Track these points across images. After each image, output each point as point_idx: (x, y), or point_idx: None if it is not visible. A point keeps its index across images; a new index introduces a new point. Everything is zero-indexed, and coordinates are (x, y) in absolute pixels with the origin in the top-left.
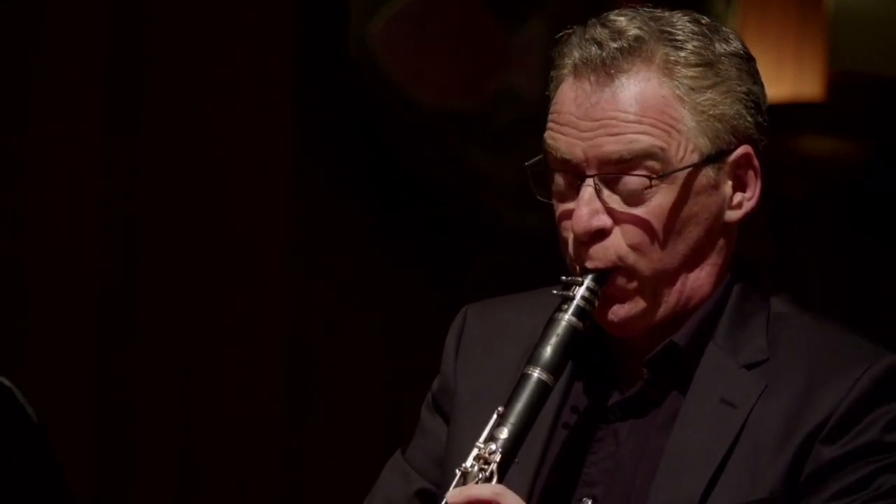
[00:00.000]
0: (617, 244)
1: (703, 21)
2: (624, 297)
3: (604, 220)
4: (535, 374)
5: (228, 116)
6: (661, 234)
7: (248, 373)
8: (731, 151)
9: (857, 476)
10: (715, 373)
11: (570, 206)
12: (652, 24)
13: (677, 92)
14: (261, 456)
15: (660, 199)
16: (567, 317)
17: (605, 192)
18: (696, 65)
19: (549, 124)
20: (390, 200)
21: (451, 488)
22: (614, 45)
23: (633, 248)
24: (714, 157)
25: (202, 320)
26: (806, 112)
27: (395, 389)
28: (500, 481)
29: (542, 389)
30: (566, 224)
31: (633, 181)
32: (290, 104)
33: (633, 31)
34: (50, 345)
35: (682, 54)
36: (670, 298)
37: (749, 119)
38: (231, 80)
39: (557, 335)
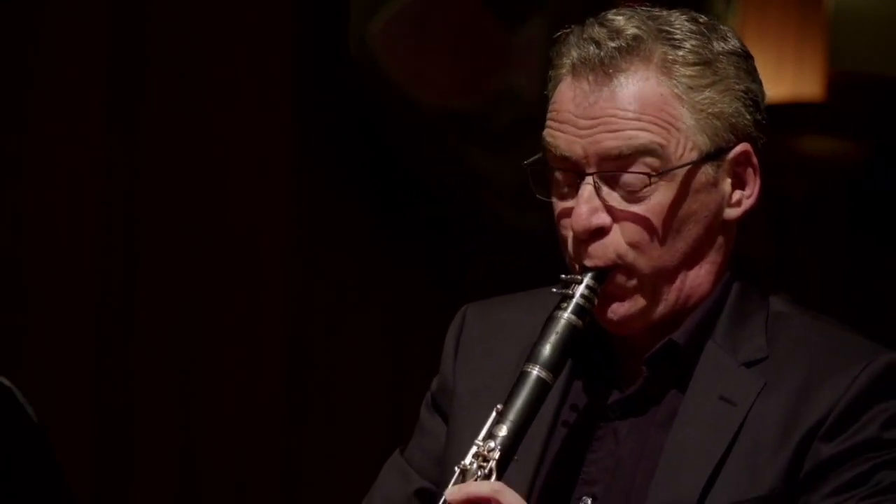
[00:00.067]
0: (616, 242)
1: (701, 20)
2: (623, 296)
3: (603, 219)
4: (535, 371)
5: (228, 116)
6: (660, 231)
7: (248, 373)
8: (730, 149)
9: (855, 472)
10: (714, 371)
11: (569, 204)
12: (650, 23)
13: (676, 91)
14: (261, 456)
15: (659, 197)
16: (566, 315)
17: (605, 190)
18: (695, 63)
19: (548, 122)
20: (390, 200)
21: (450, 486)
22: (612, 44)
23: (633, 245)
24: (713, 155)
25: (202, 320)
26: (806, 112)
27: (395, 389)
28: (498, 479)
29: (542, 387)
30: (565, 222)
31: (632, 179)
32: (290, 104)
33: (631, 31)
34: (50, 345)
35: (681, 53)
36: (670, 296)
37: (748, 117)
38: (231, 80)
39: (557, 333)
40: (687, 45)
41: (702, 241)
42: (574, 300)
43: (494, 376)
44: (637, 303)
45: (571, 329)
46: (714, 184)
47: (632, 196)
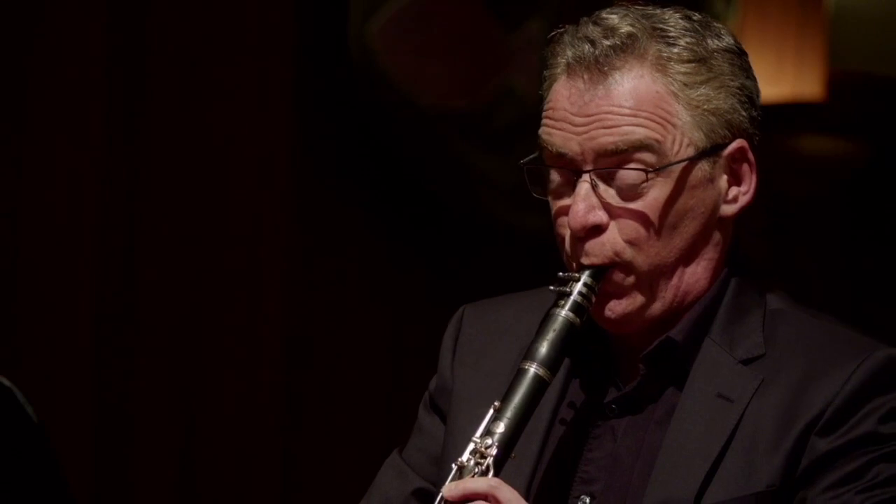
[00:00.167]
0: (613, 240)
1: (695, 17)
2: (621, 293)
3: (600, 216)
4: (532, 369)
5: (228, 116)
6: (657, 228)
7: (248, 373)
8: (725, 145)
9: (853, 466)
10: (711, 368)
11: (566, 202)
12: (644, 21)
13: (671, 88)
14: (260, 456)
15: (656, 194)
16: (564, 312)
17: (602, 188)
18: (689, 60)
19: (544, 121)
20: (390, 200)
21: (447, 482)
22: (607, 42)
23: (630, 242)
24: (709, 151)
25: (202, 320)
26: (806, 112)
27: (395, 389)
28: (496, 475)
29: (539, 384)
30: (562, 220)
31: (629, 175)
32: (291, 104)
33: (625, 29)
34: (50, 345)
35: (675, 50)
36: (667, 294)
37: (743, 113)
38: (231, 80)
39: (554, 331)
40: (681, 42)
41: (699, 237)
42: (571, 298)
43: (492, 375)
44: (635, 300)
45: (569, 327)
46: (710, 180)
47: (629, 193)
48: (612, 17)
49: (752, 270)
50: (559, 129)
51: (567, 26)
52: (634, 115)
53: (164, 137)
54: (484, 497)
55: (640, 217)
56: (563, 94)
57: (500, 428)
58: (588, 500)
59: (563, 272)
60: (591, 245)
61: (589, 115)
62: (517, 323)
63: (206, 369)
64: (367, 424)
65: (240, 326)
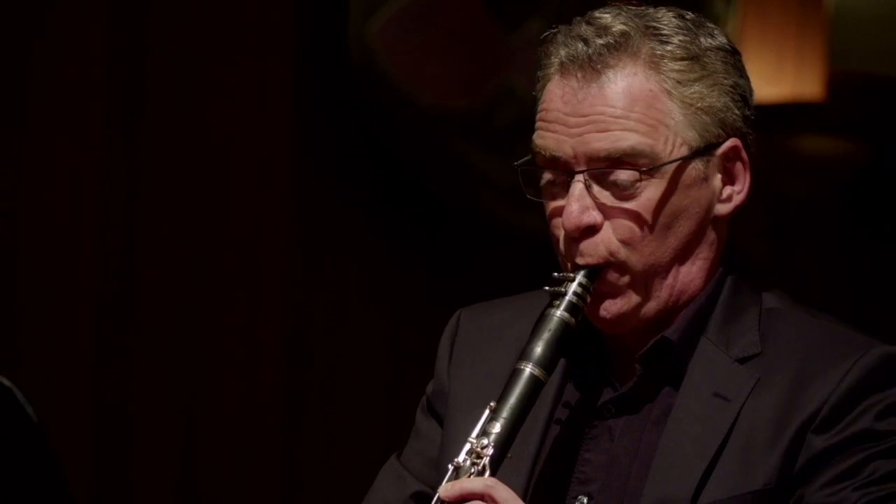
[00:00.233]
0: (608, 239)
1: (688, 16)
2: (616, 293)
3: (594, 216)
4: (527, 369)
5: (228, 116)
6: (651, 228)
7: (248, 373)
8: (719, 144)
9: (849, 463)
10: (708, 367)
11: (560, 203)
12: (637, 20)
13: (664, 86)
14: (260, 456)
15: (649, 194)
16: (559, 312)
17: (595, 188)
18: (682, 58)
19: (538, 124)
20: (390, 200)
21: (443, 483)
22: (600, 41)
23: (624, 242)
24: (703, 151)
25: (202, 320)
26: (806, 112)
27: (395, 389)
28: (492, 475)
29: (534, 384)
30: (557, 221)
31: (622, 175)
32: (291, 104)
33: (618, 27)
34: (50, 344)
35: (668, 48)
36: (662, 293)
37: (736, 112)
38: (231, 80)
39: (549, 331)
40: (674, 40)
41: (693, 237)
42: (566, 298)
43: (489, 377)
44: (630, 300)
45: (564, 327)
46: (704, 179)
47: (622, 193)
48: (605, 17)
49: (747, 269)
50: (552, 132)
51: (560, 26)
52: (626, 118)
53: (164, 137)
54: (480, 497)
55: (635, 217)
56: (557, 94)
57: (496, 428)
58: (585, 501)
59: (558, 272)
60: (586, 245)
61: (582, 116)
62: (513, 325)
63: (206, 369)
64: (367, 424)
65: (240, 326)
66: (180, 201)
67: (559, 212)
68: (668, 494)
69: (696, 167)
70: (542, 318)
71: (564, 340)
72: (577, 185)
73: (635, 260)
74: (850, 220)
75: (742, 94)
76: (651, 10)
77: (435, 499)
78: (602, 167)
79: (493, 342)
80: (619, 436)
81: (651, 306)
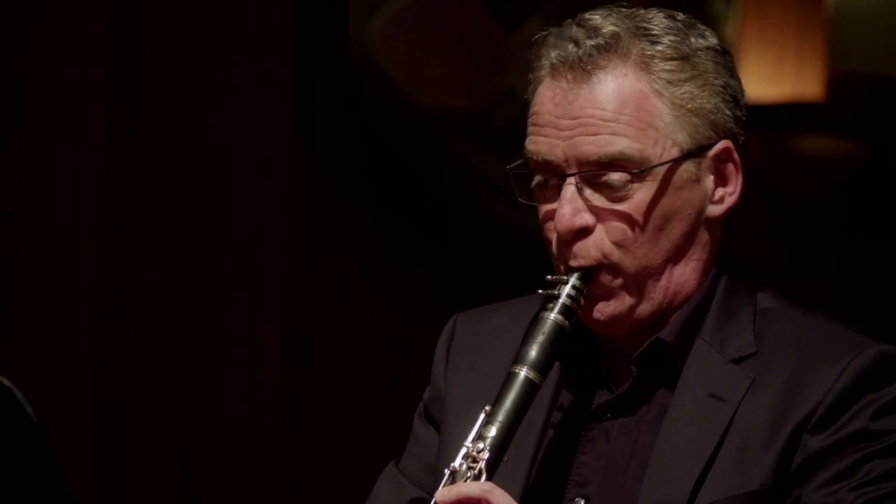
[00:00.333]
0: (600, 241)
1: (679, 17)
2: (609, 295)
3: (586, 219)
4: (522, 372)
5: (228, 116)
6: (644, 229)
7: (248, 373)
8: (710, 146)
9: (845, 463)
10: (703, 368)
11: (552, 206)
12: (627, 21)
13: (655, 86)
14: (261, 456)
15: (641, 196)
16: (553, 315)
17: (587, 191)
18: (673, 58)
19: (530, 129)
20: (390, 200)
21: (440, 488)
22: (590, 42)
23: (617, 244)
24: (694, 152)
25: (202, 320)
26: (806, 112)
27: (395, 389)
28: (489, 479)
29: (529, 387)
30: (550, 225)
31: (613, 178)
32: (291, 104)
33: (608, 28)
34: (50, 344)
35: (659, 48)
36: (656, 295)
37: (727, 113)
38: (231, 80)
39: (543, 334)
40: (665, 40)
41: (686, 238)
42: (560, 301)
43: (485, 382)
44: (623, 302)
45: (558, 329)
46: (696, 181)
47: (614, 195)
48: (596, 18)
49: (741, 269)
50: (544, 136)
51: (551, 28)
52: (616, 121)
53: (164, 137)
54: (477, 501)
55: (627, 219)
56: (548, 96)
57: (492, 432)
58: (582, 503)
59: (552, 275)
60: (579, 247)
61: (573, 118)
62: (509, 329)
63: (206, 369)
64: (367, 424)
65: (240, 326)
66: (180, 201)
67: (552, 215)
68: (665, 496)
69: (687, 169)
70: (535, 321)
71: (559, 343)
72: (569, 188)
73: (628, 262)
74: (850, 220)
75: (733, 94)
76: (642, 11)
77: (431, 503)
78: (593, 170)
79: (490, 347)
80: (616, 438)
81: (645, 308)
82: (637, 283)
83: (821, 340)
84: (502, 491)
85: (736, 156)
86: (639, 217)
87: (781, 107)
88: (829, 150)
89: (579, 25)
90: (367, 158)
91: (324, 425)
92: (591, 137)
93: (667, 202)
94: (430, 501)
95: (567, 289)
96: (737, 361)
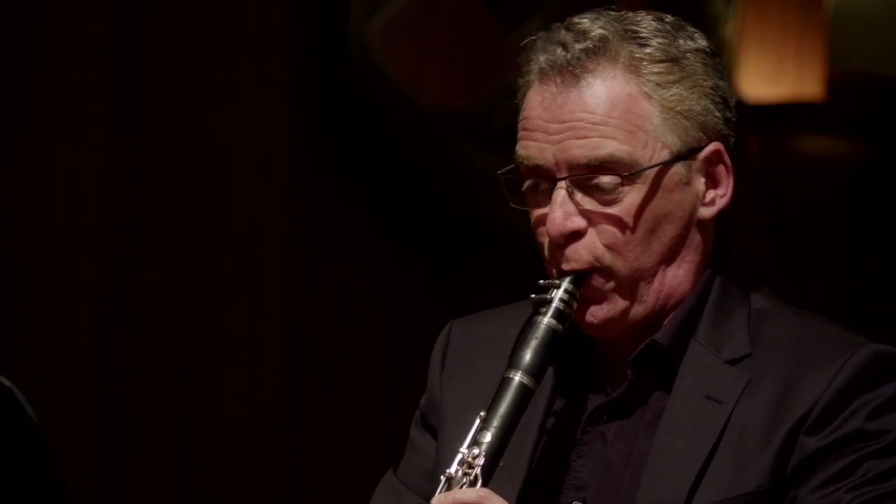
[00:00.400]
0: (592, 245)
1: (667, 19)
2: (602, 298)
3: (577, 222)
4: (517, 377)
5: (228, 116)
6: (635, 232)
7: (248, 373)
8: (701, 148)
9: (842, 464)
10: (698, 369)
11: (544, 210)
12: (616, 24)
13: (644, 89)
14: (261, 456)
15: (632, 198)
16: (546, 319)
17: (578, 195)
18: (662, 60)
19: (520, 133)
20: (390, 200)
21: (436, 494)
22: (579, 46)
23: (609, 247)
24: (684, 155)
25: (202, 320)
26: (806, 112)
27: (395, 389)
28: (484, 485)
29: (524, 392)
30: (542, 229)
31: (604, 181)
32: (291, 104)
33: (597, 32)
34: (50, 344)
35: (647, 51)
36: (649, 297)
37: (717, 114)
38: (231, 80)
39: (537, 338)
40: (653, 43)
41: (678, 240)
42: (553, 305)
43: (481, 388)
44: (616, 305)
45: (551, 333)
46: (687, 183)
47: (605, 198)
48: (584, 21)
49: (735, 271)
50: (534, 140)
51: (540, 33)
52: (605, 124)
53: (164, 137)
54: None
55: (618, 222)
56: (537, 101)
57: (487, 437)
58: None
59: (545, 280)
60: (571, 251)
61: (562, 122)
62: (504, 335)
63: (206, 369)
64: (367, 424)
65: (240, 326)
66: (180, 201)
67: (543, 219)
68: (662, 498)
69: (677, 171)
70: (529, 325)
71: (553, 347)
72: (560, 192)
73: (620, 265)
74: (850, 220)
75: (723, 96)
76: (630, 14)
77: None
78: (583, 173)
79: (485, 353)
80: (612, 441)
81: (638, 310)
82: (630, 285)
83: (816, 341)
84: (498, 497)
85: (726, 158)
86: (630, 220)
87: (781, 107)
88: (829, 150)
89: (568, 29)
90: (367, 158)
91: (324, 425)
92: (581, 141)
93: (657, 205)
94: None
95: (560, 293)
96: (732, 363)
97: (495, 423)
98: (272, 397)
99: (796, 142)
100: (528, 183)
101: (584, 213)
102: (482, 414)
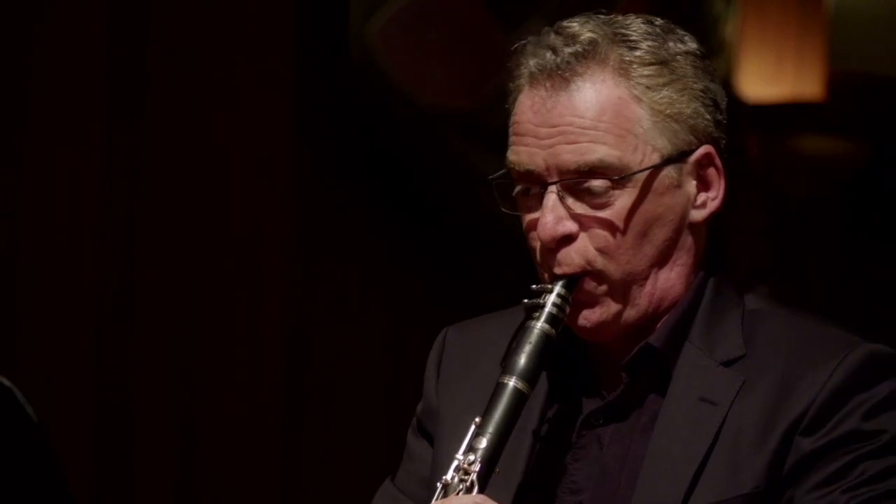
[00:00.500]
0: (584, 248)
1: (657, 22)
2: (594, 302)
3: (569, 226)
4: (511, 382)
5: (228, 116)
6: (627, 236)
7: (248, 373)
8: (691, 151)
9: (838, 465)
10: (693, 372)
11: (535, 215)
12: (605, 27)
13: (634, 92)
14: (261, 456)
15: (623, 202)
16: (539, 324)
17: (569, 199)
18: (651, 63)
19: (511, 139)
20: (390, 200)
21: (432, 501)
22: (568, 49)
23: (601, 251)
24: (675, 158)
25: (202, 320)
26: (806, 112)
27: (395, 389)
28: (481, 491)
29: (518, 398)
30: (533, 234)
31: (594, 185)
32: (291, 104)
33: (586, 35)
34: (50, 344)
35: (637, 54)
36: (641, 300)
37: (707, 117)
38: (231, 80)
39: (530, 343)
40: (643, 45)
41: (670, 243)
42: (546, 309)
43: (477, 394)
44: (609, 308)
45: (545, 338)
46: (678, 186)
47: (596, 202)
48: (574, 25)
49: (729, 272)
50: (525, 146)
51: (529, 37)
52: (595, 129)
53: (164, 137)
54: None
55: (609, 225)
56: (527, 105)
57: (482, 444)
58: None
59: (537, 285)
60: (562, 255)
61: (553, 126)
62: (499, 340)
63: (206, 369)
64: (367, 424)
65: (240, 326)
66: (180, 201)
67: (535, 224)
68: (658, 500)
69: (668, 174)
70: (522, 330)
71: (546, 352)
72: (551, 196)
73: (612, 268)
74: (850, 220)
75: (713, 98)
76: (620, 18)
77: None
78: (573, 178)
79: (480, 358)
80: (608, 444)
81: (631, 314)
82: (622, 289)
83: (810, 341)
84: (494, 503)
85: (718, 160)
86: (621, 223)
87: (781, 107)
88: (829, 150)
89: (557, 33)
90: (367, 158)
91: (324, 425)
92: (571, 146)
93: (648, 208)
94: None
95: (552, 297)
96: (726, 364)
97: (490, 429)
98: (272, 397)
99: (796, 142)
100: (519, 187)
101: (576, 217)
102: (477, 420)
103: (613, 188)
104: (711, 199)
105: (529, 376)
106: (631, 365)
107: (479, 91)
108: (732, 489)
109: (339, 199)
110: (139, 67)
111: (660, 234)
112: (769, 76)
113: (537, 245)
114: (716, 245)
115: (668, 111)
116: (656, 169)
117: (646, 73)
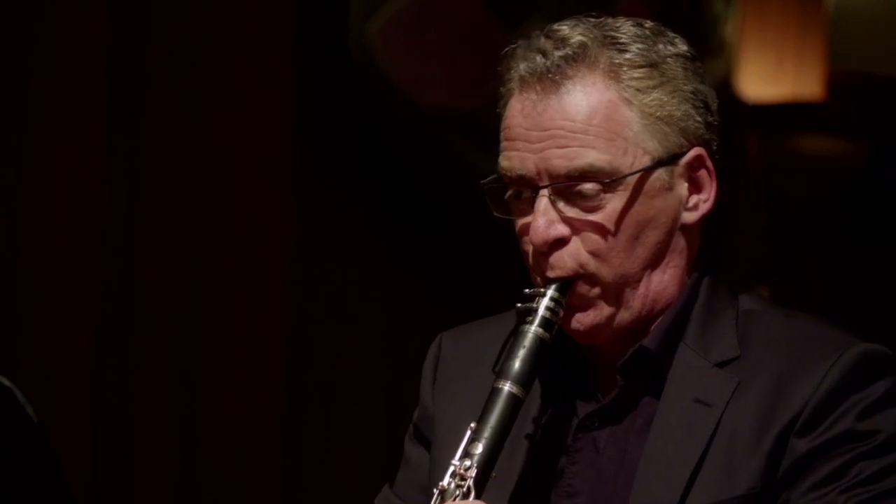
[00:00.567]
0: (576, 252)
1: (647, 25)
2: (588, 305)
3: (561, 230)
4: (506, 387)
5: (228, 117)
6: (619, 238)
7: (248, 373)
8: (682, 154)
9: (834, 466)
10: (687, 373)
11: (528, 219)
12: (595, 30)
13: (624, 94)
14: (261, 456)
15: (614, 205)
16: (533, 328)
17: (561, 202)
18: (641, 66)
19: (502, 144)
20: (390, 200)
21: None
22: (558, 53)
23: (593, 254)
24: (665, 161)
25: (202, 320)
26: (806, 112)
27: (395, 389)
28: (477, 497)
29: (513, 402)
30: (526, 238)
31: (586, 188)
32: (291, 104)
33: (576, 38)
34: (50, 344)
35: (627, 56)
36: (635, 303)
37: (698, 119)
38: (231, 80)
39: (524, 347)
40: (633, 48)
41: (662, 245)
42: (539, 313)
43: (473, 399)
44: (602, 311)
45: (539, 342)
46: (669, 189)
47: (587, 205)
48: (564, 28)
49: (723, 273)
50: (516, 150)
51: (519, 41)
52: (585, 133)
53: (164, 137)
54: None
55: (601, 229)
56: (518, 109)
57: (478, 449)
58: None
59: (530, 289)
60: (555, 258)
61: (543, 130)
62: (494, 345)
63: (206, 369)
64: (367, 424)
65: (240, 326)
66: (180, 201)
67: (527, 228)
68: (654, 503)
69: (659, 177)
70: (516, 334)
71: (541, 356)
72: (542, 200)
73: (605, 271)
74: (850, 220)
75: (703, 100)
76: (610, 20)
77: None
78: (564, 182)
79: (475, 363)
80: (604, 447)
81: (624, 316)
82: (615, 291)
83: (804, 341)
84: None
85: (709, 162)
86: (613, 226)
87: (781, 107)
88: (829, 150)
89: (547, 37)
90: (367, 158)
91: (324, 425)
92: (561, 150)
93: (640, 211)
94: None
95: (545, 301)
96: (721, 365)
97: (486, 434)
98: (272, 397)
99: (796, 142)
100: (510, 192)
101: (568, 221)
102: (473, 425)
103: (605, 191)
104: (703, 201)
105: (524, 380)
106: (625, 367)
107: (479, 91)
108: (728, 491)
109: (339, 199)
110: (139, 67)
111: (652, 237)
112: (769, 76)
113: (530, 249)
114: (710, 246)
115: (658, 114)
116: (647, 172)
117: (636, 75)
